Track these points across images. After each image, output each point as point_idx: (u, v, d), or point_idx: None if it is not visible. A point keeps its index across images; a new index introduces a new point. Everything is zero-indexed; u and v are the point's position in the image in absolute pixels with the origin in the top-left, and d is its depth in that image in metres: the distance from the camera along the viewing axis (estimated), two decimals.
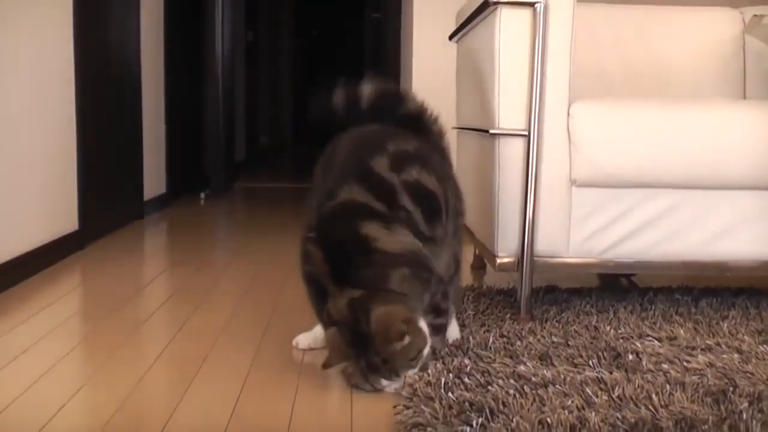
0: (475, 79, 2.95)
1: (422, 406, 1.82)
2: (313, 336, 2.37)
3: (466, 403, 1.83)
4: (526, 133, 2.54)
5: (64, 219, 3.77)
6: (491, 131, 2.59)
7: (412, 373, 2.00)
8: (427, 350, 2.01)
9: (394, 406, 1.88)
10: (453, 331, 2.36)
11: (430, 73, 4.74)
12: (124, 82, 4.83)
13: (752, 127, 2.62)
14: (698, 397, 1.89)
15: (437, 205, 2.17)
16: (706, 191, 2.64)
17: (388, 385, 1.98)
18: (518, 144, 2.56)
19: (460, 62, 3.44)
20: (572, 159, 2.58)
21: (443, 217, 2.19)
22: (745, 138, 2.61)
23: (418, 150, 2.23)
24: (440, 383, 1.96)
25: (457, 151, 3.60)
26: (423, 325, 1.99)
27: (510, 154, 2.57)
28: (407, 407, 1.85)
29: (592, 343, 2.32)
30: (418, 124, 2.43)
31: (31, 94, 3.36)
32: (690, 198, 2.64)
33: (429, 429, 1.70)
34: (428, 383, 1.97)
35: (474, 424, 1.72)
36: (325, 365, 1.99)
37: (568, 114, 2.57)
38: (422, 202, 2.12)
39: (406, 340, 1.91)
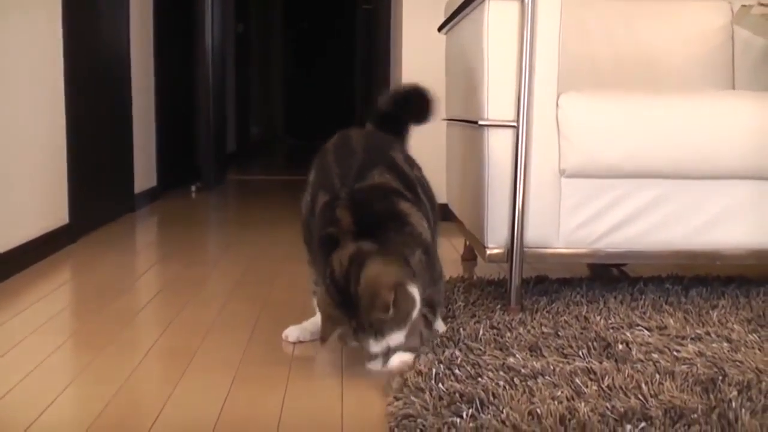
0: (464, 71, 2.95)
1: (412, 397, 1.82)
2: (302, 329, 2.38)
3: (457, 394, 1.83)
4: (515, 124, 2.54)
5: (55, 213, 3.76)
6: (480, 122, 2.59)
7: (401, 336, 2.01)
8: (415, 313, 2.02)
9: (392, 399, 1.88)
10: (439, 326, 2.38)
11: (420, 64, 4.73)
12: (114, 75, 4.82)
13: (742, 117, 2.63)
14: (688, 386, 1.89)
15: (433, 203, 2.32)
16: (695, 181, 2.65)
17: (375, 345, 2.00)
18: (507, 135, 2.56)
19: (449, 54, 3.44)
20: (561, 149, 2.59)
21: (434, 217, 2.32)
22: (735, 128, 2.62)
23: (410, 156, 2.40)
24: (431, 374, 1.96)
25: (447, 142, 3.60)
26: (413, 289, 2.00)
27: (499, 145, 2.57)
28: (397, 398, 1.85)
29: (582, 333, 2.33)
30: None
31: (20, 88, 3.35)
32: (679, 188, 2.65)
33: (419, 420, 1.70)
34: (419, 373, 1.97)
35: (464, 415, 1.72)
36: (323, 338, 2.00)
37: (557, 105, 2.57)
38: (427, 195, 2.29)
39: (391, 312, 1.92)
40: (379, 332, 1.97)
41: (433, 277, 2.28)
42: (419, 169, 2.38)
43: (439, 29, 3.49)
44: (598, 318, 2.48)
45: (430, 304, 2.22)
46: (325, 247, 2.09)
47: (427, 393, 1.84)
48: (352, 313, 1.96)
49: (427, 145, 4.65)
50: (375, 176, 2.16)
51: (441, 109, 3.67)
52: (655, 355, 2.12)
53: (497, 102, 2.57)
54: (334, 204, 2.11)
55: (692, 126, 2.61)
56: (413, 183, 2.23)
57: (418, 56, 4.75)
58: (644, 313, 2.55)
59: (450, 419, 1.70)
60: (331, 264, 2.00)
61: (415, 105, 2.57)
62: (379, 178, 2.16)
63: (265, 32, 12.17)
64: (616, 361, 2.08)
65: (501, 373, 1.98)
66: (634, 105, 2.62)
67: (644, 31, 3.56)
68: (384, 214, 2.09)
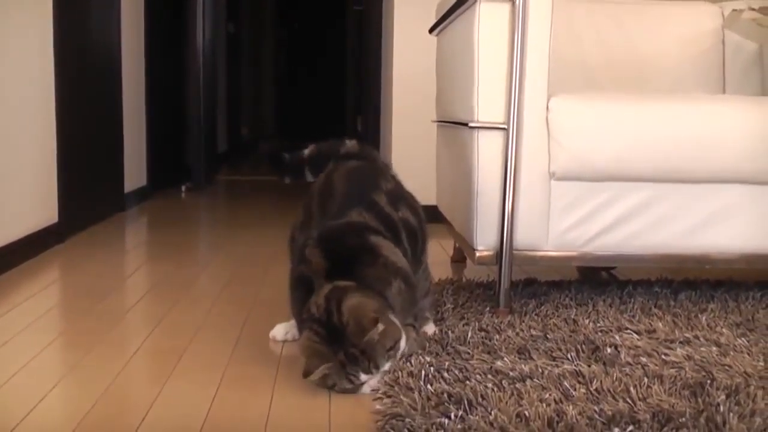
0: (454, 73, 2.95)
1: (401, 397, 1.82)
2: (289, 326, 2.37)
3: (445, 395, 1.83)
4: (505, 126, 2.54)
5: (44, 212, 3.75)
6: (470, 124, 2.59)
7: (388, 367, 1.99)
8: (403, 342, 2.01)
9: (374, 399, 1.88)
10: (430, 329, 2.38)
11: (411, 66, 4.73)
12: (105, 75, 4.81)
13: (732, 121, 2.64)
14: (676, 390, 1.90)
15: (417, 239, 2.32)
16: (685, 184, 2.66)
17: (367, 380, 1.95)
18: (497, 137, 2.56)
19: (440, 55, 3.44)
20: (551, 152, 2.59)
21: (420, 248, 2.36)
22: (725, 131, 2.63)
23: (398, 188, 2.40)
24: (420, 375, 1.96)
25: (437, 144, 3.60)
26: (394, 318, 1.99)
27: (489, 148, 2.58)
28: (387, 395, 1.85)
29: (570, 336, 2.33)
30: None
31: (9, 85, 3.34)
32: (669, 191, 2.65)
33: (407, 420, 1.70)
34: (410, 374, 1.97)
35: (452, 416, 1.72)
36: (306, 373, 1.93)
37: (547, 108, 2.57)
38: (410, 238, 2.28)
39: (380, 327, 1.90)
40: (372, 360, 1.93)
41: (428, 289, 2.40)
42: (409, 200, 2.38)
43: (430, 31, 3.49)
44: (586, 321, 2.48)
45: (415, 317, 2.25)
46: (298, 287, 2.11)
47: (416, 393, 1.84)
48: (340, 345, 1.91)
49: (417, 147, 4.68)
50: (352, 215, 2.18)
51: (431, 111, 3.68)
52: (643, 359, 2.12)
53: (487, 104, 2.57)
54: (306, 243, 2.14)
55: (682, 129, 2.61)
56: (395, 224, 2.23)
57: (410, 58, 4.75)
58: (633, 316, 2.56)
59: (438, 420, 1.70)
60: (309, 309, 1.99)
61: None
62: (356, 217, 2.18)
63: (256, 32, 12.15)
64: (604, 364, 2.08)
65: (489, 375, 1.98)
66: (624, 108, 2.63)
67: (635, 33, 3.57)
68: (355, 249, 2.09)
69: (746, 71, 3.57)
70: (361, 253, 2.08)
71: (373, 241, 2.11)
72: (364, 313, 1.91)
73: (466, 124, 2.65)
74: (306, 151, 2.58)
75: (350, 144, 2.55)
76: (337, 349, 1.91)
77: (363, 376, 1.94)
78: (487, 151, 2.58)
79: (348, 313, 1.91)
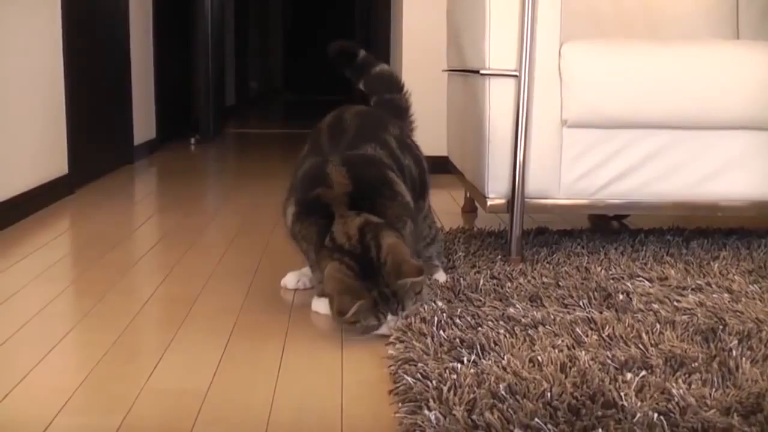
0: (465, 20, 2.93)
1: (414, 342, 1.82)
2: (300, 274, 2.37)
3: (458, 341, 1.83)
4: (516, 73, 2.52)
5: (54, 163, 3.75)
6: (482, 72, 2.57)
7: (412, 309, 1.99)
8: (426, 289, 2.01)
9: (386, 344, 1.88)
10: (441, 277, 2.38)
11: (421, 16, 4.70)
12: (113, 26, 4.78)
13: (745, 67, 2.61)
14: (688, 335, 1.89)
15: (416, 187, 2.29)
16: (697, 131, 2.64)
17: (391, 321, 1.94)
18: (509, 85, 2.54)
19: (450, 3, 3.41)
20: (563, 99, 2.57)
21: (420, 195, 2.33)
22: (738, 77, 2.60)
23: (403, 135, 2.38)
24: (433, 321, 1.96)
25: (448, 93, 3.58)
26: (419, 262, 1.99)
27: (500, 95, 2.56)
28: (400, 341, 1.85)
29: (582, 283, 2.32)
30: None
31: (18, 39, 3.33)
32: (682, 138, 2.63)
33: (420, 365, 1.70)
34: (422, 320, 1.97)
35: (465, 361, 1.72)
36: (342, 311, 1.86)
37: (559, 54, 2.55)
38: (413, 185, 2.26)
39: (420, 277, 1.91)
40: (401, 302, 1.92)
41: (434, 236, 2.38)
42: (414, 149, 2.38)
43: None
44: (598, 269, 2.48)
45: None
46: (312, 212, 2.05)
47: (429, 338, 1.84)
48: (374, 282, 1.90)
49: (427, 97, 4.63)
50: (367, 149, 2.17)
51: (441, 63, 3.65)
52: (655, 305, 2.11)
53: (499, 51, 2.54)
54: (325, 163, 2.10)
55: (695, 75, 2.59)
56: (402, 168, 2.22)
57: (420, 8, 4.71)
58: (645, 264, 2.55)
59: (451, 364, 1.70)
60: (335, 238, 1.96)
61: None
62: (371, 151, 2.17)
63: None
64: (616, 311, 2.08)
65: (501, 322, 1.98)
66: (636, 54, 2.60)
67: None
68: (377, 180, 2.08)
69: (760, 18, 3.53)
70: (382, 186, 2.07)
71: (391, 176, 2.11)
72: (404, 257, 1.90)
73: (477, 72, 2.63)
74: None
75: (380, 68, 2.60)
76: (370, 286, 1.90)
77: (390, 317, 1.93)
78: (498, 98, 2.56)
79: (388, 252, 1.91)
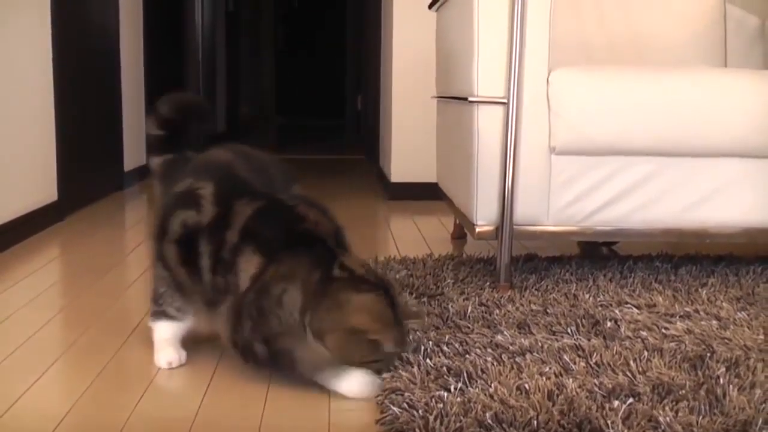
0: (454, 47, 2.94)
1: (401, 371, 1.82)
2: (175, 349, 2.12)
3: (445, 369, 1.83)
4: (505, 100, 2.53)
5: (43, 190, 3.74)
6: (470, 99, 2.58)
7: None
8: None
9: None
10: None
11: (410, 42, 4.71)
12: (103, 52, 4.79)
13: (733, 95, 2.62)
14: (676, 362, 1.90)
15: None
16: (686, 158, 2.64)
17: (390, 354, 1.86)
18: (497, 112, 2.55)
19: (439, 30, 3.43)
20: (551, 126, 2.58)
21: None
22: (726, 105, 2.61)
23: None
24: (420, 349, 1.96)
25: (437, 120, 3.59)
26: None
27: (489, 122, 2.56)
28: (386, 370, 1.85)
29: (570, 310, 2.33)
30: None
31: (7, 63, 3.33)
32: (670, 165, 2.64)
33: (407, 394, 1.70)
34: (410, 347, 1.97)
35: (452, 389, 1.72)
36: (400, 343, 1.82)
37: (548, 82, 2.56)
38: None
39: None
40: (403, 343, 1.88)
41: None
42: None
43: (430, 6, 3.47)
44: (587, 296, 2.48)
45: None
46: (299, 248, 1.85)
47: (416, 367, 1.84)
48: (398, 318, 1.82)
49: (417, 123, 4.67)
50: (298, 190, 2.04)
51: (431, 87, 3.67)
52: (643, 333, 2.12)
53: (487, 78, 2.55)
54: (286, 203, 1.93)
55: (684, 103, 2.60)
56: None
57: (409, 34, 4.73)
58: (633, 290, 2.55)
59: (437, 393, 1.70)
60: (349, 268, 1.81)
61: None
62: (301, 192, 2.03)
63: (255, 10, 12.10)
64: (604, 338, 2.08)
65: (489, 349, 1.98)
66: (625, 81, 2.62)
67: (636, 9, 3.54)
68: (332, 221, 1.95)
69: (748, 47, 3.55)
70: (338, 229, 1.94)
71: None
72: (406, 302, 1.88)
73: (466, 99, 2.64)
74: None
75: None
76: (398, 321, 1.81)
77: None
78: (487, 125, 2.57)
79: (398, 294, 1.88)
